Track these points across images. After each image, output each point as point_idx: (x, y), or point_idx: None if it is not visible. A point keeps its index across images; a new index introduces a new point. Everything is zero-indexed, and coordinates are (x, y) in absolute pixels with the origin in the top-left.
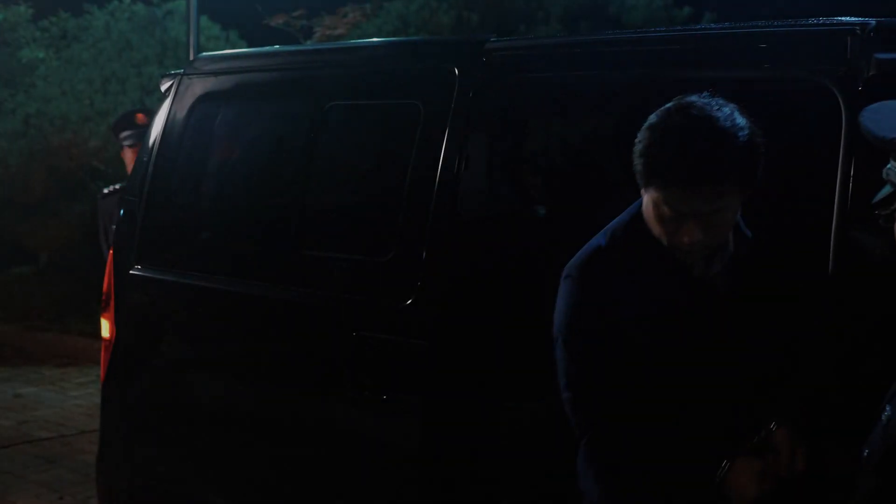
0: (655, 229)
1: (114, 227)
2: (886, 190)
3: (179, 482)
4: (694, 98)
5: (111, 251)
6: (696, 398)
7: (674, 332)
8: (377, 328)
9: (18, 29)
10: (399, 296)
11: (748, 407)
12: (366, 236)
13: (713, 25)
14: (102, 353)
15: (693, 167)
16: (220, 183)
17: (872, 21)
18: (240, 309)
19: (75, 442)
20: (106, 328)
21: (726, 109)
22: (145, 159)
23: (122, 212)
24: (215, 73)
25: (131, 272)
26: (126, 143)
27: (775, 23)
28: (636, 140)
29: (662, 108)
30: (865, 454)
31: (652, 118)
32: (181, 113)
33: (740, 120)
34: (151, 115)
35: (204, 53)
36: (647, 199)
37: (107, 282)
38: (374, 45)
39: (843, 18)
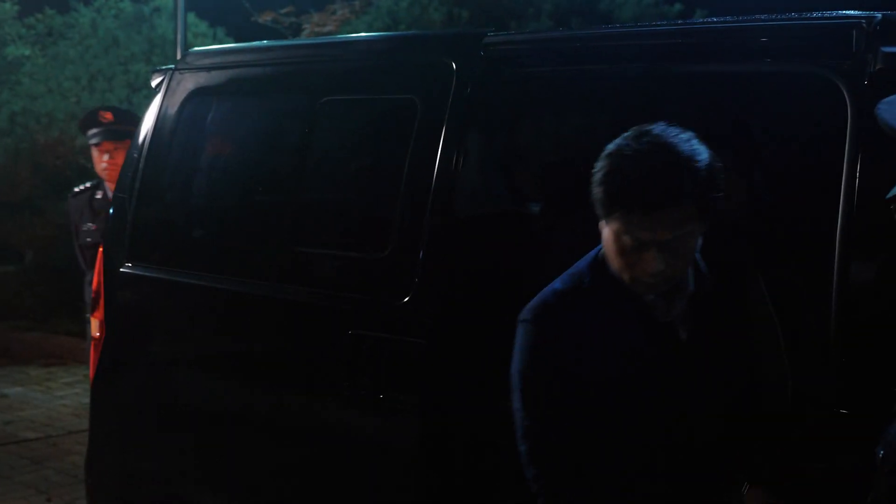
0: (616, 263)
1: (84, 226)
2: None
3: (171, 483)
4: (651, 126)
5: (100, 249)
6: (659, 450)
7: (635, 380)
8: (374, 326)
9: (4, 26)
10: (396, 293)
11: (715, 459)
12: (362, 233)
13: (716, 19)
14: (92, 353)
15: (653, 191)
16: (212, 179)
17: (878, 14)
18: (233, 307)
19: (62, 442)
20: (96, 327)
21: (684, 136)
22: (136, 156)
23: (111, 210)
24: (208, 68)
25: (122, 270)
26: (92, 141)
27: (779, 16)
28: (594, 170)
29: (619, 137)
30: (880, 455)
31: (609, 147)
32: (173, 108)
33: (698, 146)
34: (118, 113)
35: (195, 48)
36: (608, 231)
37: (96, 280)
38: (370, 39)
39: (847, 12)
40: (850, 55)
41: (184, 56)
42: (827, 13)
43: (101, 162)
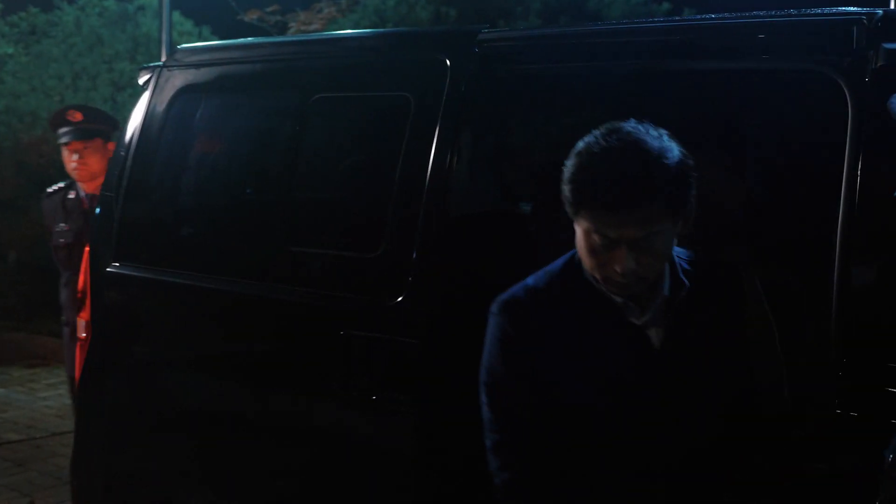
0: (587, 262)
1: (58, 227)
2: None
3: (160, 484)
4: (623, 123)
5: (86, 249)
6: (630, 455)
7: (602, 383)
8: (366, 327)
9: None
10: (389, 293)
11: (697, 467)
12: (354, 232)
13: (714, 15)
14: (78, 353)
15: (622, 187)
16: (201, 177)
17: (879, 11)
18: (223, 307)
19: (46, 444)
20: (82, 328)
21: (655, 133)
22: (123, 153)
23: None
24: (197, 65)
25: (108, 270)
26: (61, 140)
27: (779, 12)
28: (564, 167)
29: (589, 134)
30: (889, 459)
31: (579, 144)
32: (161, 106)
33: (670, 144)
34: (88, 112)
35: (183, 45)
36: (579, 230)
37: (82, 280)
38: (363, 36)
39: (848, 8)
40: (851, 52)
41: (172, 53)
42: (827, 9)
43: (71, 162)
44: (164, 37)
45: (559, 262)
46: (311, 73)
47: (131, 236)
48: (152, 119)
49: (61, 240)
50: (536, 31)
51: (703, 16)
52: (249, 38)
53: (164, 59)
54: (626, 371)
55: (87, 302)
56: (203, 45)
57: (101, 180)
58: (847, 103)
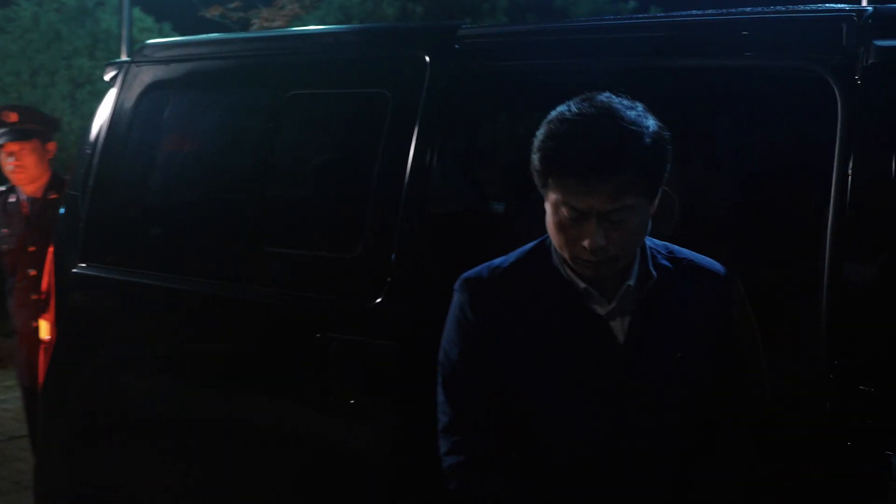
0: (556, 240)
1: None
2: None
3: (126, 489)
4: (597, 93)
5: (51, 249)
6: (588, 448)
7: (559, 374)
8: (343, 329)
9: None
10: (366, 295)
11: (658, 464)
12: (331, 232)
13: (700, 12)
14: (41, 356)
15: (589, 155)
16: (171, 176)
17: (869, 7)
18: (194, 309)
19: (5, 448)
20: (45, 329)
21: (629, 103)
22: (89, 152)
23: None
24: (166, 61)
25: (74, 271)
26: None
27: (767, 9)
28: (534, 137)
29: (563, 103)
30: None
31: (551, 113)
32: (128, 103)
33: (644, 114)
34: (24, 112)
35: (152, 41)
36: (548, 206)
37: (46, 281)
38: (340, 32)
39: (837, 5)
40: (841, 49)
41: (140, 48)
42: (816, 6)
43: (7, 164)
44: (125, 33)
45: (531, 244)
46: (286, 70)
47: (98, 236)
48: (119, 116)
49: (4, 245)
50: (518, 27)
51: (691, 12)
52: (220, 34)
53: (123, 55)
54: (586, 363)
55: (52, 303)
56: (172, 41)
57: (42, 182)
58: (837, 101)
